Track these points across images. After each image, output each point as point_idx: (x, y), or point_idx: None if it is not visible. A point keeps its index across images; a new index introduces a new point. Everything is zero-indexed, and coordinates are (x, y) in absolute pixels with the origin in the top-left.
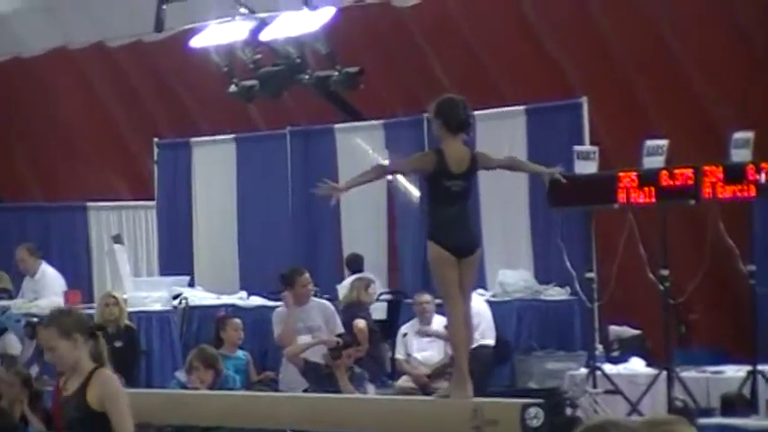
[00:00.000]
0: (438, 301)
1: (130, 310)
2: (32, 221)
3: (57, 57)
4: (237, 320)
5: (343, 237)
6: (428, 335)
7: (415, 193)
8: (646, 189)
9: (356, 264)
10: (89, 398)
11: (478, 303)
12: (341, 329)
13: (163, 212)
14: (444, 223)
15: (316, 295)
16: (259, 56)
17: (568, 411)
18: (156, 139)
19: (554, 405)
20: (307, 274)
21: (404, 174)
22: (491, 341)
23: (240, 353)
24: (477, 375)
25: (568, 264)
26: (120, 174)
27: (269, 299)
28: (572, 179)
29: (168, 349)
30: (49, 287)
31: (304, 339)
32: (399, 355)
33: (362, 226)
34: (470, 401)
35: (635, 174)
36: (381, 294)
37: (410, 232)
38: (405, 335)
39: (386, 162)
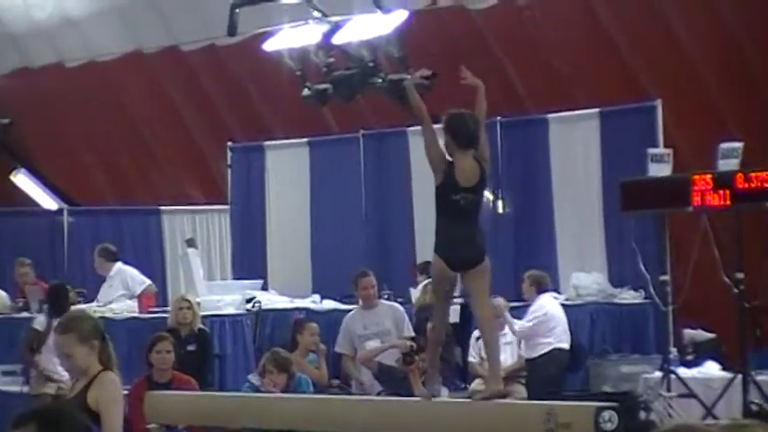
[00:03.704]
0: (512, 304)
1: (204, 313)
2: (106, 225)
3: (130, 61)
4: (314, 325)
5: (416, 239)
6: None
7: (489, 195)
8: (720, 192)
9: (429, 269)
10: (89, 399)
11: (554, 307)
12: (410, 332)
13: (236, 216)
14: (448, 238)
15: (388, 298)
16: (332, 59)
17: (642, 415)
18: (229, 143)
19: (628, 409)
20: (369, 277)
21: (423, 126)
22: (566, 345)
23: (312, 356)
24: (551, 378)
25: (642, 267)
26: (193, 177)
27: (342, 302)
28: (646, 182)
29: (241, 353)
30: (128, 278)
31: (373, 344)
32: (472, 359)
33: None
34: (544, 404)
35: (709, 176)
36: (454, 298)
37: None
38: (478, 338)
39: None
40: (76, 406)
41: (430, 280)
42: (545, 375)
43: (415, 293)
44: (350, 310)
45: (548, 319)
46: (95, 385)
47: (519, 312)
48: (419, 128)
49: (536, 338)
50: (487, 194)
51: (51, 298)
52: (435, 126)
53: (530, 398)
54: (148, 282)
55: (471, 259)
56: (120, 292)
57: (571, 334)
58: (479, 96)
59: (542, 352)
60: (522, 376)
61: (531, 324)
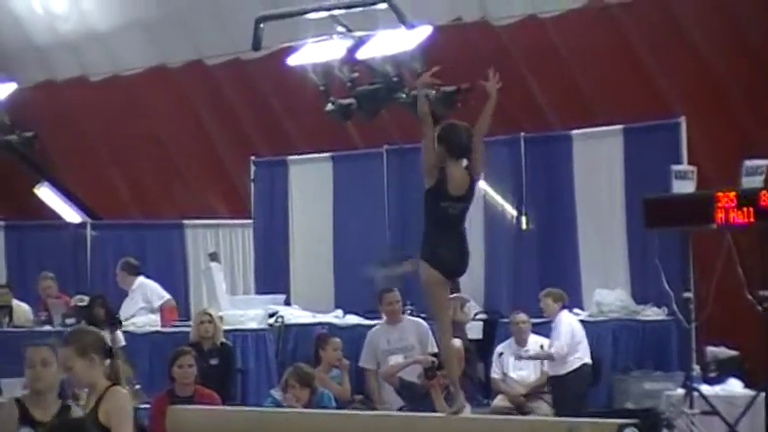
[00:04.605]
0: (535, 320)
1: (226, 328)
2: (129, 239)
3: (155, 75)
4: (337, 340)
5: None
6: (527, 358)
7: (512, 211)
8: (744, 209)
9: (453, 285)
10: (100, 414)
11: (576, 322)
12: (435, 348)
13: (259, 230)
14: (439, 246)
15: (412, 314)
16: (356, 74)
17: None
18: (252, 157)
19: (650, 425)
20: (394, 293)
21: (425, 128)
22: (589, 360)
23: (335, 371)
24: (578, 394)
25: (666, 284)
26: (216, 191)
27: (365, 317)
28: (670, 199)
29: (264, 367)
30: (148, 291)
31: (396, 359)
32: (495, 375)
33: None
34: (566, 421)
35: (733, 194)
36: (477, 314)
37: (505, 251)
38: (501, 354)
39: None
40: (89, 423)
41: (453, 295)
42: (573, 392)
43: None
44: (373, 326)
45: (575, 335)
46: (106, 400)
47: (542, 329)
48: None
49: (568, 355)
50: (511, 210)
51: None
52: None
53: (557, 414)
54: (168, 296)
55: (461, 269)
56: (140, 305)
57: (591, 349)
58: (488, 106)
59: (573, 368)
60: (544, 392)
61: (569, 341)
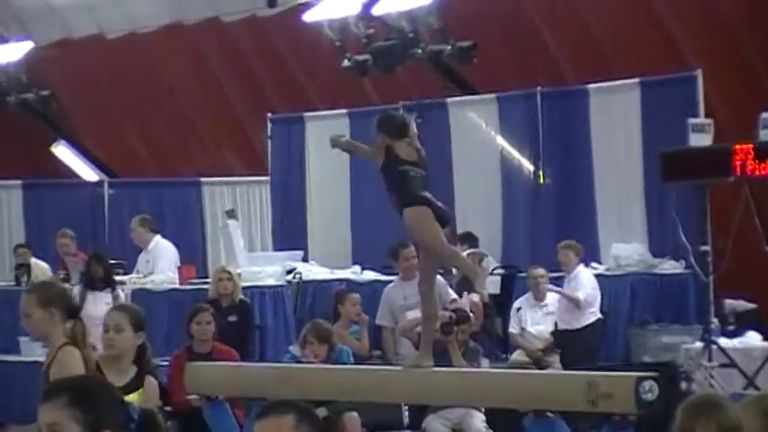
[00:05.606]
0: (552, 274)
1: (244, 284)
2: (146, 197)
3: (170, 33)
4: (356, 295)
5: (456, 211)
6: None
7: (529, 166)
8: (762, 162)
9: (470, 240)
10: (51, 374)
11: (593, 277)
12: (452, 296)
13: (277, 187)
14: (419, 193)
15: None
16: (372, 30)
17: (683, 385)
18: (269, 114)
19: (669, 379)
20: (410, 248)
21: (357, 154)
22: (600, 315)
23: (354, 327)
24: (590, 348)
25: (683, 237)
26: (233, 149)
27: (382, 273)
28: (687, 152)
29: (282, 324)
30: (162, 258)
31: (413, 315)
32: (513, 330)
33: (477, 201)
34: (585, 374)
35: (751, 146)
36: (495, 269)
37: (522, 206)
38: (519, 309)
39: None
40: (44, 381)
41: (471, 250)
42: (586, 346)
43: None
44: (390, 281)
45: (595, 287)
46: (56, 359)
47: (559, 283)
48: (459, 99)
49: (587, 308)
50: (528, 166)
51: (87, 269)
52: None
53: (566, 369)
54: (174, 268)
55: (447, 214)
56: (152, 268)
57: (609, 303)
58: None
59: (588, 322)
60: (558, 347)
61: (591, 291)
